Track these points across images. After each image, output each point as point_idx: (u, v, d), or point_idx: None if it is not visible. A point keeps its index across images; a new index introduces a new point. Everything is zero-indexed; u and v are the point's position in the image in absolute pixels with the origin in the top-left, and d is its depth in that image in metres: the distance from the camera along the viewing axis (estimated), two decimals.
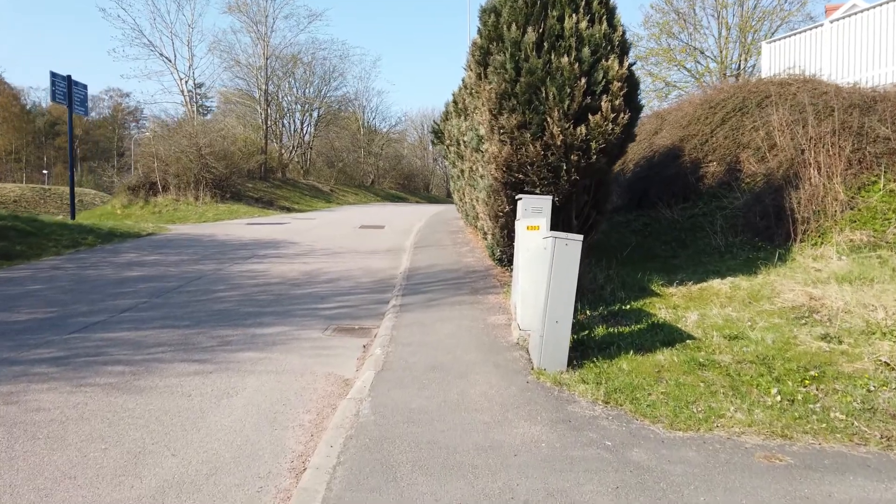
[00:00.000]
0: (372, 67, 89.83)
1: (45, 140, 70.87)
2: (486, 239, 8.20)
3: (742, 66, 27.10)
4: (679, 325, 5.76)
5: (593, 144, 6.50)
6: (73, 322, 6.37)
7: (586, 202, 7.15)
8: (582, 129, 6.44)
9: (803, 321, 5.58)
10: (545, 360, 4.62)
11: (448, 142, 14.55)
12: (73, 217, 16.59)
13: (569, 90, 6.45)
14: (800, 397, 4.06)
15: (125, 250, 12.20)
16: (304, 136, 43.09)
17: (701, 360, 4.71)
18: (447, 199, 48.84)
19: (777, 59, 15.68)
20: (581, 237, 4.58)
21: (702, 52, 28.05)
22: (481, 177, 8.09)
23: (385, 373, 4.68)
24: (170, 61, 33.07)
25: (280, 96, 39.20)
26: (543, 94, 6.49)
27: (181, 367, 4.92)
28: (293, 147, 42.13)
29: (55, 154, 69.61)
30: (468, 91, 10.00)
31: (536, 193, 6.65)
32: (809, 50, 14.54)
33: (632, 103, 7.08)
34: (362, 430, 3.62)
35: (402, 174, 53.88)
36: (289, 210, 28.88)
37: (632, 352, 4.94)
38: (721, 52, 27.52)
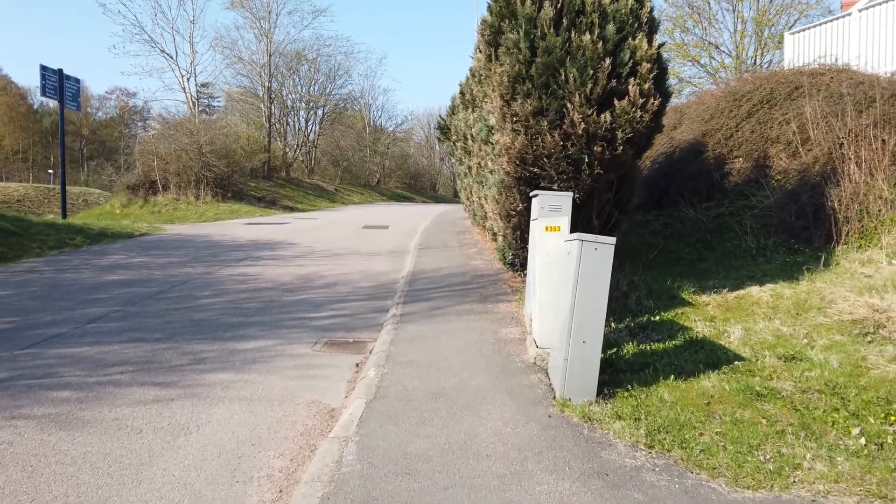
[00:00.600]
0: (378, 65, 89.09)
1: (52, 140, 70.74)
2: (495, 241, 7.42)
3: (758, 62, 26.19)
4: (722, 342, 4.97)
5: (619, 133, 5.72)
6: (30, 335, 5.64)
7: (609, 200, 6.36)
8: (606, 116, 5.66)
9: (869, 338, 4.77)
10: (570, 389, 3.85)
11: (455, 137, 13.81)
12: (64, 216, 15.94)
13: (591, 72, 5.67)
14: (889, 440, 3.27)
15: (112, 252, 11.50)
16: (308, 135, 42.44)
17: (757, 388, 3.92)
18: (454, 198, 48.00)
19: (801, 50, 14.83)
20: (613, 240, 3.80)
21: (716, 48, 27.12)
22: (491, 172, 7.32)
23: (378, 402, 3.92)
24: (171, 58, 32.45)
25: (284, 94, 38.55)
26: (562, 77, 5.71)
27: (139, 394, 4.17)
28: (297, 146, 41.49)
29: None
30: (476, 79, 9.24)
31: (554, 190, 5.88)
32: (836, 40, 13.67)
33: (661, 88, 6.30)
34: (344, 485, 2.86)
35: (408, 173, 53.13)
36: (292, 209, 28.20)
37: (672, 376, 4.15)
38: (737, 47, 26.59)
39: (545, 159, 5.86)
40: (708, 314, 6.00)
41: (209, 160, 26.09)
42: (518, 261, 6.68)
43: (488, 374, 4.47)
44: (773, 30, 25.72)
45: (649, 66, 5.81)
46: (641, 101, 5.71)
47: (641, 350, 4.84)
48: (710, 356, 4.58)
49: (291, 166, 39.53)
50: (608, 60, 5.68)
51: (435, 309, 6.68)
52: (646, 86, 5.78)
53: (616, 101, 5.68)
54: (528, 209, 6.26)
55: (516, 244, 6.61)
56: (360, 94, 48.35)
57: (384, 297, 7.62)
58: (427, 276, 8.76)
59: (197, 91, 35.56)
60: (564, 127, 5.69)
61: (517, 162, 6.03)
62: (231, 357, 5.08)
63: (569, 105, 5.67)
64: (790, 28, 23.97)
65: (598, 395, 3.84)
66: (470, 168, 11.45)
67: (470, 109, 10.23)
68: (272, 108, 34.98)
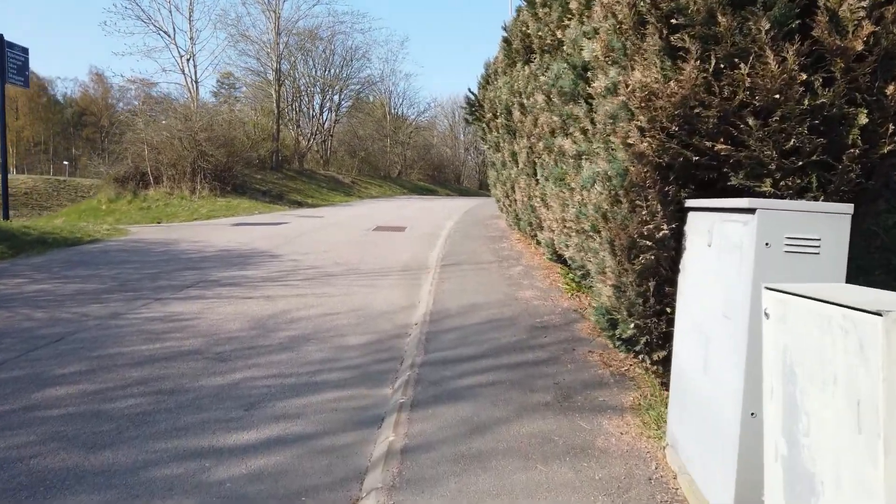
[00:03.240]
0: (399, 48, 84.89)
1: (73, 131, 69.40)
2: (597, 289, 3.96)
3: None
4: None
5: None
6: None
7: (878, 214, 2.88)
8: None
9: None
10: None
11: (490, 115, 10.36)
12: (5, 217, 12.90)
13: None
14: None
15: (18, 271, 8.34)
16: (323, 123, 39.21)
17: None
18: (480, 191, 44.37)
19: None
20: None
21: None
22: (586, 157, 3.86)
23: None
24: (168, 36, 29.49)
25: (296, 76, 35.29)
26: None
27: None
28: (311, 134, 38.31)
29: (83, 145, 68.47)
30: (537, 4, 5.73)
31: (756, 194, 2.44)
32: None
33: None
34: None
35: (431, 164, 49.66)
36: (300, 205, 25.04)
37: None
38: None
39: (749, 119, 2.40)
40: None
41: (206, 149, 23.02)
42: (647, 338, 3.20)
43: None
44: None
45: None
46: None
47: None
48: None
49: (305, 157, 36.39)
50: None
51: (473, 432, 3.29)
52: None
53: None
54: (676, 234, 2.85)
55: (645, 306, 3.13)
56: (379, 79, 44.89)
57: (379, 378, 4.28)
58: (455, 327, 5.40)
59: (217, 82, 32.42)
60: (817, 33, 2.23)
61: (674, 128, 2.58)
62: None
63: None
64: None
65: None
66: (515, 154, 8.00)
67: (522, 63, 6.75)
68: (281, 91, 31.76)
